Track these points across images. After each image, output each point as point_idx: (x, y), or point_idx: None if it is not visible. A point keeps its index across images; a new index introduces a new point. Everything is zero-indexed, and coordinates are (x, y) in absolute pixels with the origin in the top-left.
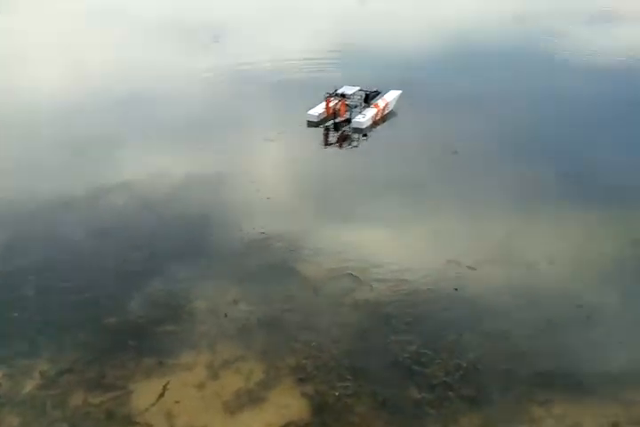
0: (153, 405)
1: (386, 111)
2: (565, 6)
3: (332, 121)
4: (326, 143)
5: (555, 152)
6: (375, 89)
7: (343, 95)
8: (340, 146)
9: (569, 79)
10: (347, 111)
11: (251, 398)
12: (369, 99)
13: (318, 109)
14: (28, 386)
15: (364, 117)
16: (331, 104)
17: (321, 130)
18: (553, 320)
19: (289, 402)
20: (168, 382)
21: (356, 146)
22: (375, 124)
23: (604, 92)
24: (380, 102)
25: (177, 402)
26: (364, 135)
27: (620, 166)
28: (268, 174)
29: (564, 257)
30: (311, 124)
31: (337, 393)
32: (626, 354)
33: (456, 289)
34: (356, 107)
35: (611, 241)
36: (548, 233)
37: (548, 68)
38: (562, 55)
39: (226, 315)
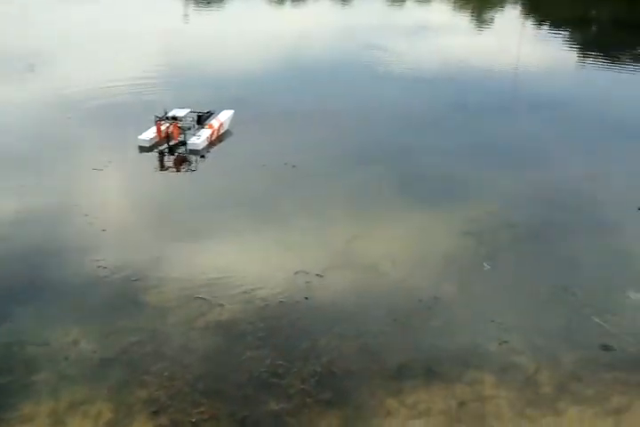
0: None
1: (221, 131)
2: (386, 22)
3: (165, 145)
4: (162, 168)
5: (386, 158)
6: (207, 110)
7: (175, 118)
8: (178, 169)
9: (392, 88)
10: (180, 134)
11: None
12: (202, 120)
13: (149, 134)
14: None
15: (199, 139)
16: (162, 127)
17: (155, 155)
18: (398, 315)
19: None
20: None
21: (194, 168)
22: (211, 144)
23: (427, 98)
24: (215, 123)
25: None
26: (202, 156)
27: (448, 166)
28: (102, 205)
29: (404, 256)
30: (143, 149)
31: (193, 420)
32: (465, 338)
33: (307, 298)
34: (189, 129)
35: (444, 236)
36: (388, 235)
37: (373, 79)
38: (385, 66)
39: (66, 358)
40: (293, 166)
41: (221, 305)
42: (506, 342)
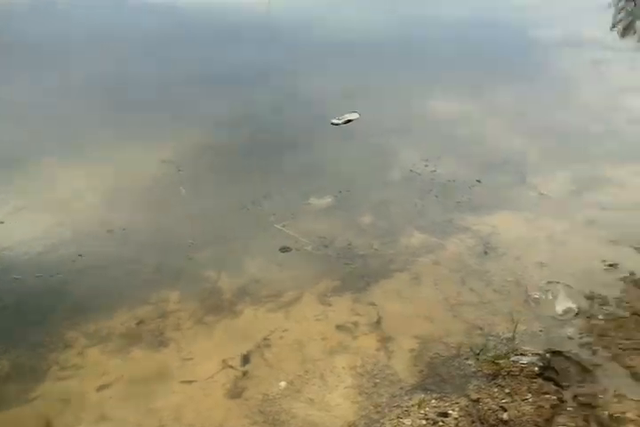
0: None
1: None
2: None
3: None
4: None
5: (93, 91)
6: None
7: None
8: None
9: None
10: None
11: None
12: None
13: None
14: None
15: None
16: None
17: None
18: (84, 251)
19: None
20: None
21: None
22: None
23: (148, 27)
24: None
25: None
26: None
27: (156, 96)
28: None
29: (99, 191)
30: None
31: None
32: (153, 262)
33: None
34: None
35: (142, 167)
36: (85, 171)
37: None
38: None
39: None
40: None
41: None
42: (191, 258)
